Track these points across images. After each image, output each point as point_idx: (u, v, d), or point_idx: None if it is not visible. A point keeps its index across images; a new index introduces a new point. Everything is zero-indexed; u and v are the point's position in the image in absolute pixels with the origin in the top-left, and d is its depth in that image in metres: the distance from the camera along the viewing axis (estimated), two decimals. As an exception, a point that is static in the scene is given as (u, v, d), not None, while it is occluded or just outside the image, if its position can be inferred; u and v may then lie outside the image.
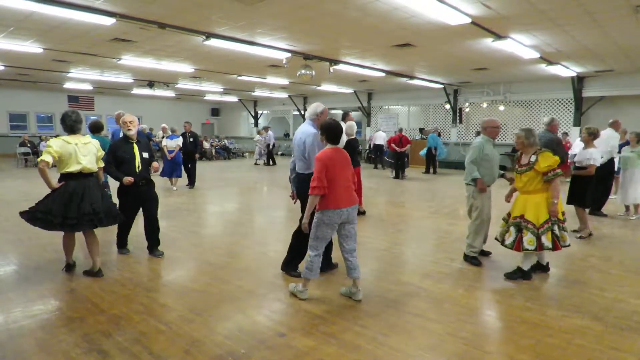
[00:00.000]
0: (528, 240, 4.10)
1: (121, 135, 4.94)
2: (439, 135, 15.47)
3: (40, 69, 12.76)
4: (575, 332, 3.15)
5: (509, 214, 4.46)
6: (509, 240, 4.25)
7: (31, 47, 9.44)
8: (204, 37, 8.03)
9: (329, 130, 3.54)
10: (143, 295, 3.83)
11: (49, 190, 4.04)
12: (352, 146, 6.78)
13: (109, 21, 6.74)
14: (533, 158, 4.19)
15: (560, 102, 14.54)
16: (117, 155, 4.67)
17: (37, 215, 3.93)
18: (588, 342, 3.01)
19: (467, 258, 4.84)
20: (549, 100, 14.78)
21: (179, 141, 10.27)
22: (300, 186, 4.11)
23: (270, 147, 17.63)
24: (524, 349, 2.90)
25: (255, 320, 3.33)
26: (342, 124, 7.36)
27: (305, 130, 4.12)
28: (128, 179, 4.59)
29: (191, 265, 4.72)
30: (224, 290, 3.93)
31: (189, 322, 3.27)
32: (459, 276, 4.39)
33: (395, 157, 13.30)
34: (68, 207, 3.93)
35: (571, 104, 14.13)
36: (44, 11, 6.35)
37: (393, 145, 13.31)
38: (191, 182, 10.66)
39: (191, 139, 10.58)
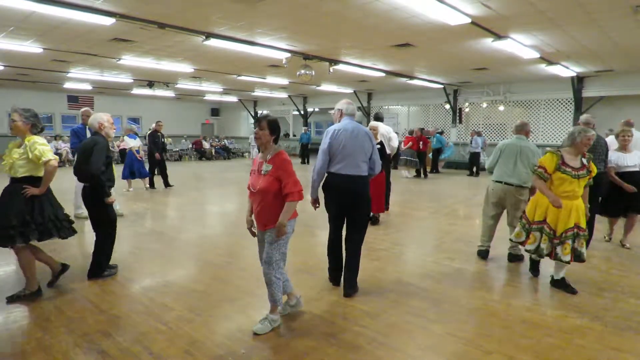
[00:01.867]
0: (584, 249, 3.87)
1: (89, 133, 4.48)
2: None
3: (40, 69, 12.75)
4: (575, 332, 3.15)
5: (532, 223, 4.05)
6: (567, 256, 3.82)
7: (31, 47, 9.44)
8: (204, 37, 8.03)
9: (279, 130, 3.13)
10: (143, 295, 3.82)
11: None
12: (382, 149, 6.63)
13: (108, 21, 6.74)
14: (585, 161, 3.89)
15: (560, 102, 14.54)
16: (107, 157, 4.06)
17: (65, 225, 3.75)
18: (588, 342, 3.01)
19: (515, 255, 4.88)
20: (549, 100, 14.79)
21: (139, 141, 10.14)
22: (365, 190, 3.79)
23: None
24: (524, 349, 2.90)
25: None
26: (379, 123, 7.19)
27: (364, 128, 3.80)
28: (112, 199, 4.08)
29: (191, 265, 4.72)
30: (224, 290, 3.93)
31: (189, 322, 3.27)
32: (459, 276, 4.39)
33: (420, 157, 13.70)
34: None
35: (571, 104, 14.13)
36: (44, 11, 6.35)
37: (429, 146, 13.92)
38: (152, 184, 10.44)
39: (162, 139, 10.66)
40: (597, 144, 5.10)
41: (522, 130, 4.85)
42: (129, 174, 9.63)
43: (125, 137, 10.11)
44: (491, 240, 4.98)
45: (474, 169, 14.35)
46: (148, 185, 10.29)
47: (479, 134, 14.76)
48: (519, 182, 4.64)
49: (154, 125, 10.70)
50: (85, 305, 3.56)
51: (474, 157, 14.33)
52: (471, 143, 14.60)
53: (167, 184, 10.56)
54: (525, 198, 4.66)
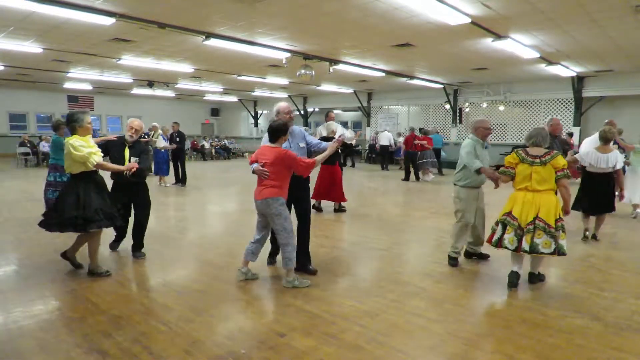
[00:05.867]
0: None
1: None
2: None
3: (40, 69, 12.76)
4: (575, 332, 3.15)
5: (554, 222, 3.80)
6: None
7: (31, 47, 9.44)
8: (204, 37, 8.03)
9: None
10: (143, 295, 3.83)
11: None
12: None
13: (108, 21, 6.74)
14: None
15: (560, 102, 14.54)
16: None
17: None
18: (588, 342, 3.01)
19: (449, 257, 4.78)
20: (549, 100, 14.79)
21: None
22: None
23: None
24: (524, 349, 2.90)
25: (255, 320, 3.33)
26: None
27: None
28: None
29: (191, 265, 4.72)
30: (224, 290, 3.92)
31: (189, 322, 3.27)
32: (459, 276, 4.39)
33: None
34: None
35: (571, 104, 14.13)
36: (44, 11, 6.35)
37: None
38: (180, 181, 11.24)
39: (177, 139, 11.15)
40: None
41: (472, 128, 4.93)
42: (167, 170, 10.86)
43: (160, 137, 10.93)
44: None
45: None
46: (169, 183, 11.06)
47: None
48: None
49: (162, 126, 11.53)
50: (85, 305, 3.56)
51: None
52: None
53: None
54: (455, 196, 4.75)
